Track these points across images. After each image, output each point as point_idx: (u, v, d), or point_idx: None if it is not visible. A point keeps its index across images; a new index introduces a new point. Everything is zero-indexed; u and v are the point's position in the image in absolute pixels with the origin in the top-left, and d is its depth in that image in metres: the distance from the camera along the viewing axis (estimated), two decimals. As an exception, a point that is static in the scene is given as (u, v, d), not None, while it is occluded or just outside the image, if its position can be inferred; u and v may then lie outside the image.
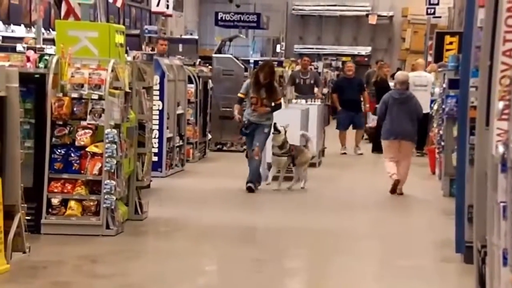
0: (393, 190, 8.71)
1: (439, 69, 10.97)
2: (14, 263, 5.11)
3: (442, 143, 9.24)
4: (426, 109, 11.68)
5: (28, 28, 14.90)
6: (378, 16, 27.84)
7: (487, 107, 4.10)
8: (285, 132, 8.77)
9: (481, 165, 4.08)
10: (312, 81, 12.96)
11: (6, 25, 14.62)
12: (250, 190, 8.49)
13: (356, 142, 12.80)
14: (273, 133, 8.65)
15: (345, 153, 12.63)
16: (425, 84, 12.29)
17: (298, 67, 19.25)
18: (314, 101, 11.90)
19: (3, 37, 13.10)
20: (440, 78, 10.11)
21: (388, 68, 13.59)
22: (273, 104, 8.61)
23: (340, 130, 12.83)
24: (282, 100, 8.91)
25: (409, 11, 26.77)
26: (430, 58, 15.16)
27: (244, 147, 9.83)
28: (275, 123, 8.67)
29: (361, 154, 12.58)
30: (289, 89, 12.45)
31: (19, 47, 7.28)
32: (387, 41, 28.42)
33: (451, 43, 12.69)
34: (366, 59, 27.38)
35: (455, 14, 18.61)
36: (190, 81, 11.14)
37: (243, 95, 8.75)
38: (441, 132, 9.47)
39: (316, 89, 13.08)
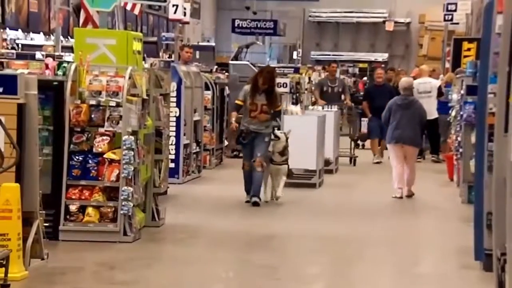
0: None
1: (457, 76, 10.91)
2: (32, 270, 5.13)
3: (460, 150, 9.18)
4: (433, 115, 11.67)
5: (47, 36, 15.03)
6: (395, 22, 27.75)
7: (505, 113, 4.06)
8: (287, 138, 8.34)
9: (500, 171, 4.04)
10: (340, 89, 12.50)
11: (26, 33, 14.76)
12: (255, 204, 7.99)
13: (381, 150, 12.40)
14: (272, 139, 8.24)
15: (379, 162, 12.07)
16: (429, 90, 12.25)
17: (324, 74, 19.15)
18: (344, 109, 11.65)
19: (22, 45, 13.23)
20: (458, 84, 10.04)
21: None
22: (272, 111, 8.19)
23: (372, 139, 12.55)
24: (281, 107, 8.60)
25: (426, 17, 26.65)
26: (447, 65, 15.07)
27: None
28: (273, 129, 8.30)
29: (379, 162, 12.31)
30: (317, 96, 12.25)
31: (38, 54, 7.34)
32: (404, 47, 28.31)
33: (469, 49, 12.61)
34: (383, 65, 27.29)
35: (473, 20, 18.50)
36: (207, 88, 11.17)
37: (241, 102, 8.22)
38: (459, 138, 9.41)
39: (343, 96, 12.60)
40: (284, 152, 8.28)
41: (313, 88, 15.89)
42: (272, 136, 8.22)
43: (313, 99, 16.61)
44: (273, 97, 8.14)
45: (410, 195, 8.89)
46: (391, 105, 8.95)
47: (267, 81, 8.11)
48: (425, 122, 9.34)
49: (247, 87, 8.22)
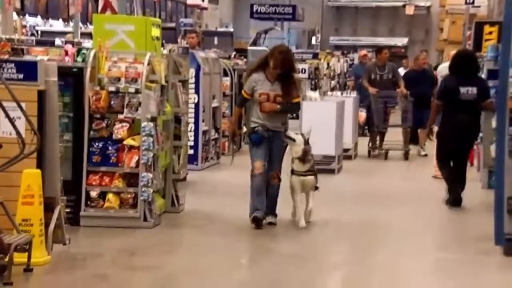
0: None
1: (478, 59, 10.76)
2: (54, 255, 5.18)
3: (481, 135, 9.09)
4: None
5: (66, 22, 15.10)
6: (416, 6, 27.50)
7: (528, 98, 4.00)
8: (306, 140, 6.28)
9: (522, 157, 3.98)
10: (390, 76, 11.22)
11: (45, 20, 14.83)
12: (257, 223, 6.15)
13: (420, 141, 11.47)
14: (286, 144, 6.28)
15: (426, 155, 11.01)
16: None
17: (342, 59, 18.81)
18: (397, 100, 10.70)
19: (41, 31, 13.30)
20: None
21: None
22: (288, 104, 6.19)
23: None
24: (300, 99, 6.45)
25: (447, 1, 26.35)
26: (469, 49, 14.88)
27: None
28: (285, 130, 6.27)
29: (426, 155, 11.17)
30: (366, 84, 11.09)
31: (58, 41, 7.36)
32: (424, 32, 28.08)
33: (490, 33, 12.43)
34: (402, 50, 27.06)
35: (494, 3, 18.26)
36: (225, 74, 11.15)
37: (248, 95, 6.24)
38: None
39: (400, 87, 11.01)
40: (305, 158, 6.22)
41: (347, 76, 15.44)
42: (286, 139, 6.27)
43: (332, 84, 16.45)
44: (290, 85, 6.17)
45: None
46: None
47: (280, 64, 6.10)
48: None
49: (255, 76, 6.21)
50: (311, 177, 6.33)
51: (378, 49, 11.95)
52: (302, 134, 6.37)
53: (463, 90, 7.57)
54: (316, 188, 6.46)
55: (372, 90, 11.08)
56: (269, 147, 6.21)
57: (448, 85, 7.73)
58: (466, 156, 7.86)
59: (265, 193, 6.25)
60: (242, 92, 6.43)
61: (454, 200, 7.62)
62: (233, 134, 6.73)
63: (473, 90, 7.58)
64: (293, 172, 6.34)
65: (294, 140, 6.28)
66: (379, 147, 11.29)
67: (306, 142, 6.31)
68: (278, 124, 6.23)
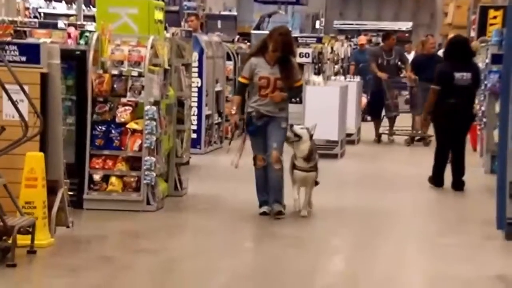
0: None
1: (482, 44, 10.73)
2: (58, 237, 5.21)
3: (484, 120, 9.07)
4: None
5: (69, 5, 15.05)
6: (421, -9, 27.32)
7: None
8: (311, 136, 6.17)
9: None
10: (397, 61, 11.19)
11: (48, 2, 14.79)
12: (279, 214, 6.10)
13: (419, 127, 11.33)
14: (292, 141, 6.12)
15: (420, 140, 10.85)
16: None
17: (346, 44, 18.55)
18: (405, 85, 10.43)
19: (44, 13, 13.26)
20: (483, 53, 9.89)
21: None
22: (288, 89, 6.03)
23: (418, 114, 11.13)
24: (302, 83, 6.31)
25: (452, -15, 26.19)
26: (473, 33, 14.83)
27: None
28: (291, 125, 6.13)
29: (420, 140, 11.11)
30: (375, 68, 10.99)
31: (60, 23, 7.34)
32: (429, 16, 27.93)
33: (495, 17, 12.36)
34: (407, 34, 26.94)
35: (499, -12, 18.12)
36: (229, 58, 11.12)
37: (246, 80, 6.06)
38: (482, 108, 9.30)
39: (407, 71, 10.85)
40: (310, 157, 6.13)
41: (350, 61, 15.26)
42: (291, 135, 6.08)
43: (335, 69, 16.36)
44: (290, 68, 6.01)
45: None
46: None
47: (280, 47, 5.92)
48: None
49: (254, 60, 6.06)
50: (313, 173, 6.25)
51: (385, 34, 11.86)
52: (307, 129, 6.19)
53: (457, 75, 7.65)
54: (317, 183, 6.37)
55: (382, 75, 10.97)
56: (267, 133, 6.04)
57: (443, 71, 7.82)
58: (463, 141, 7.89)
59: (269, 180, 6.13)
60: (240, 78, 6.22)
61: (436, 181, 7.78)
62: (235, 125, 6.54)
63: (467, 75, 7.66)
64: (295, 167, 6.20)
65: (300, 138, 6.11)
66: (390, 133, 11.23)
67: (311, 138, 6.17)
68: (276, 110, 6.03)
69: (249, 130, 6.10)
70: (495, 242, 5.62)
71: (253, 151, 6.19)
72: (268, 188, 6.13)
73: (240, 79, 6.24)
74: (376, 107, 11.44)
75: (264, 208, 6.17)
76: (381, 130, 11.43)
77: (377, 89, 11.26)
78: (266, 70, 6.03)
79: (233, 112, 6.30)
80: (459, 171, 7.77)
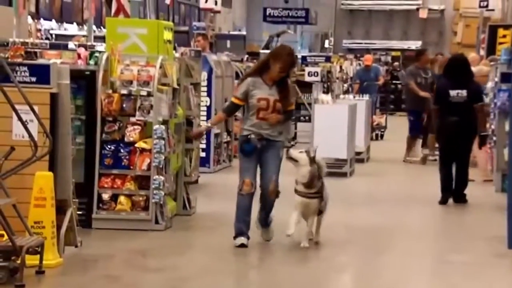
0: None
1: (491, 63, 10.74)
2: (66, 257, 5.22)
3: (494, 138, 9.05)
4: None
5: (80, 26, 15.20)
6: (429, 10, 27.40)
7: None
8: (312, 159, 5.66)
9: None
10: (433, 80, 10.97)
11: (59, 23, 14.95)
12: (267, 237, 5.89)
13: (429, 146, 11.17)
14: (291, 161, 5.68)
15: (436, 160, 10.50)
16: None
17: (355, 63, 18.58)
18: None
19: (56, 35, 13.40)
20: (492, 72, 9.89)
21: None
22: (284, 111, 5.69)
23: (432, 134, 10.89)
24: (294, 108, 5.99)
25: (461, 4, 26.26)
26: (482, 52, 14.83)
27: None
28: (288, 148, 5.91)
29: (436, 160, 10.56)
30: (415, 87, 10.82)
31: (71, 44, 7.43)
32: (437, 35, 27.96)
33: (504, 36, 12.37)
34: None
35: (509, 6, 18.15)
36: (238, 77, 11.17)
37: (240, 101, 5.71)
38: (492, 126, 9.28)
39: None
40: (311, 184, 5.63)
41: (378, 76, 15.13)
42: (286, 157, 5.69)
43: (344, 88, 16.33)
44: (288, 90, 5.71)
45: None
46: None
47: (288, 68, 5.66)
48: None
49: (250, 79, 5.69)
50: (315, 200, 5.67)
51: (418, 51, 11.69)
52: (307, 152, 5.70)
53: (453, 93, 7.73)
54: (320, 212, 5.81)
55: (425, 94, 10.77)
56: (263, 158, 5.66)
57: (439, 88, 7.94)
58: (466, 155, 7.91)
59: (264, 207, 5.85)
60: (233, 98, 5.80)
61: (443, 201, 7.80)
62: (199, 134, 6.21)
63: (462, 92, 7.72)
64: (295, 191, 5.74)
65: (296, 161, 5.66)
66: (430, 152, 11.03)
67: (312, 161, 5.66)
68: (275, 133, 5.67)
69: (245, 150, 5.65)
70: (506, 260, 5.59)
71: (241, 174, 5.70)
72: (263, 213, 5.89)
73: (233, 99, 5.80)
74: (419, 126, 11.26)
75: (242, 240, 5.70)
76: (424, 151, 11.16)
77: (420, 109, 11.02)
78: (264, 91, 5.66)
79: (209, 124, 6.18)
80: (460, 184, 7.82)
